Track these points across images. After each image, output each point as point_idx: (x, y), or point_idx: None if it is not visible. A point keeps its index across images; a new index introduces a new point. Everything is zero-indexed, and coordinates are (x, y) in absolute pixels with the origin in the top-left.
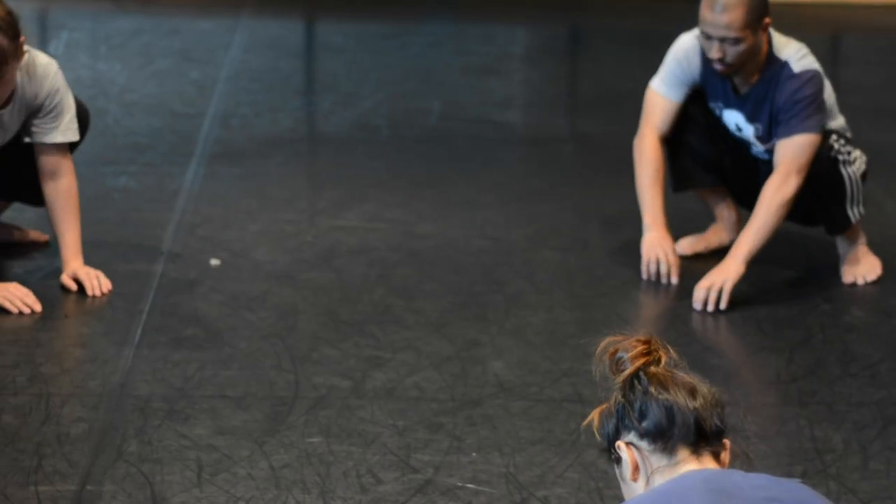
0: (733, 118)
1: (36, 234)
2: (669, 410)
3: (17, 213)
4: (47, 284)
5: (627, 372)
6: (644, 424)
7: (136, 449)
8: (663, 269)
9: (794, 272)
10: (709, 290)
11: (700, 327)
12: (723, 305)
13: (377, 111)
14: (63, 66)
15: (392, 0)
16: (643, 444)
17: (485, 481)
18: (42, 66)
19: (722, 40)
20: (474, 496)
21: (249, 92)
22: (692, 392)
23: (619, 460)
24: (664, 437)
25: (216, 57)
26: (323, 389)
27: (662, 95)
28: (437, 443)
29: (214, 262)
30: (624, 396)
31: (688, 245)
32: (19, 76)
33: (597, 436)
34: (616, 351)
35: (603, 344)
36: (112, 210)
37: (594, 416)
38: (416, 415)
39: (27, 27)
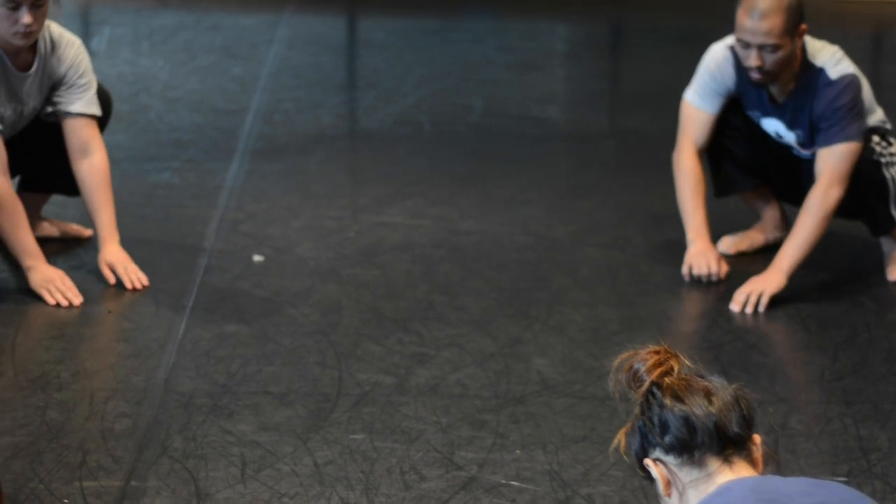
0: (773, 126)
1: (78, 229)
2: (687, 421)
3: (60, 209)
4: (90, 280)
5: (644, 387)
6: (666, 439)
7: (180, 445)
8: (713, 269)
9: (838, 270)
10: (748, 295)
11: (744, 325)
12: (761, 309)
13: (419, 107)
14: (105, 63)
15: None
16: (669, 458)
17: (528, 479)
18: (66, 38)
19: (760, 48)
20: (518, 494)
21: (292, 88)
22: (708, 397)
23: (651, 478)
24: (688, 449)
25: (258, 53)
26: (366, 386)
27: (698, 108)
28: (481, 440)
29: (257, 258)
30: (643, 413)
31: (731, 244)
32: (42, 45)
33: (625, 457)
34: (631, 365)
35: (618, 361)
36: (155, 206)
37: (620, 437)
38: (459, 412)
39: (70, 24)
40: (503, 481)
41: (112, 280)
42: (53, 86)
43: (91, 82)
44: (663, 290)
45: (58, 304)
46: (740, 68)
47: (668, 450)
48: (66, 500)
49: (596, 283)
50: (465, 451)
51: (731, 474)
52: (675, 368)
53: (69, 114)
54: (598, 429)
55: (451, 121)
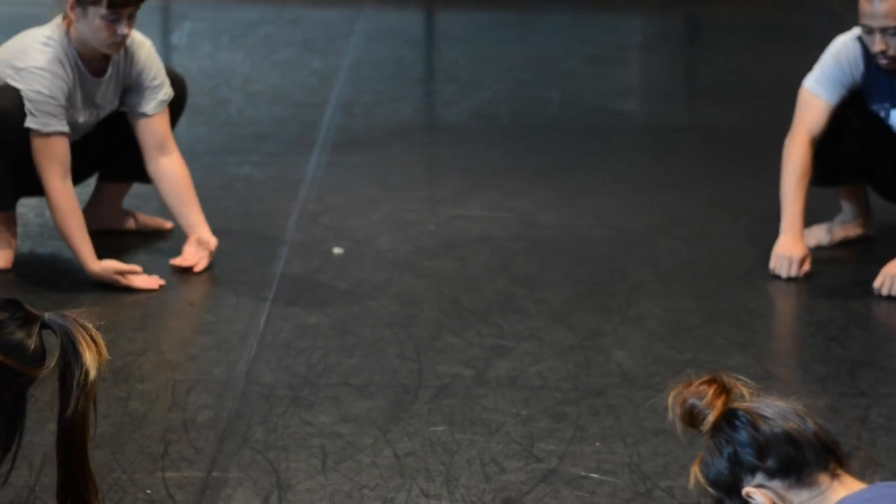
0: None
1: (159, 222)
2: (792, 439)
3: (141, 202)
4: (172, 272)
5: (714, 416)
6: (769, 462)
7: (262, 436)
8: (792, 272)
9: None
10: (894, 278)
11: (825, 318)
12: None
13: (497, 100)
14: (186, 57)
15: None
16: (775, 483)
17: (608, 471)
18: (136, 40)
19: (883, 31)
20: (598, 486)
21: (371, 81)
22: (797, 412)
23: None
24: (797, 467)
25: (338, 46)
26: (446, 378)
27: (817, 95)
28: (561, 432)
29: (337, 250)
30: (726, 441)
31: (812, 236)
32: None
33: (710, 490)
34: (685, 400)
35: (671, 399)
36: (235, 199)
37: (693, 473)
38: (539, 404)
39: (151, 18)
40: (583, 473)
41: (184, 263)
42: (126, 88)
43: (163, 83)
44: (742, 283)
45: (125, 287)
46: (869, 58)
47: (774, 473)
48: (148, 491)
49: (675, 276)
50: (545, 444)
51: (843, 489)
52: (745, 392)
53: (144, 115)
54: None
55: (530, 114)
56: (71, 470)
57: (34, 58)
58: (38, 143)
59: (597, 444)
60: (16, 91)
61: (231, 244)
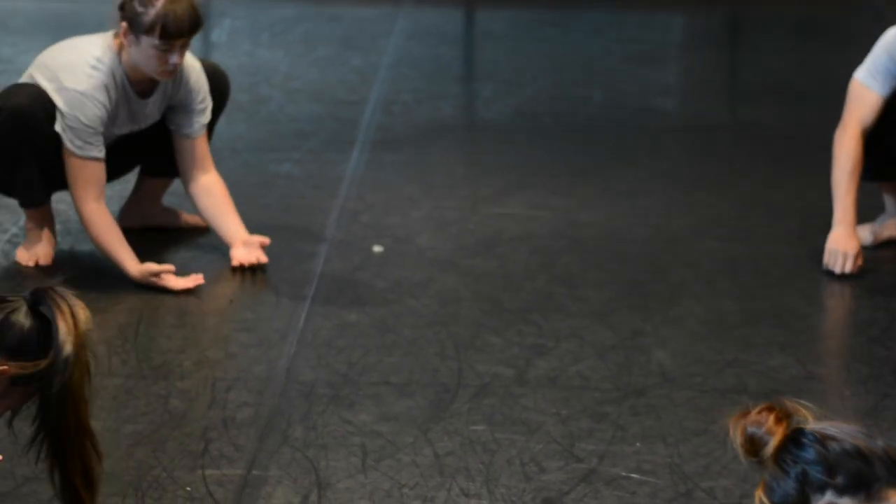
0: None
1: (199, 219)
2: (860, 453)
3: (181, 200)
4: (211, 269)
5: (777, 440)
6: (839, 479)
7: (301, 434)
8: (846, 268)
9: None
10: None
11: (867, 318)
12: None
13: (538, 99)
14: (226, 54)
15: None
16: (845, 500)
17: (649, 471)
18: (188, 63)
19: None
20: (638, 486)
21: (411, 79)
22: (862, 430)
23: None
24: (867, 482)
25: (378, 44)
26: (486, 377)
27: (868, 87)
28: (601, 432)
29: (377, 248)
30: (793, 461)
31: (869, 233)
32: None
33: None
34: (744, 429)
35: (731, 431)
36: (276, 197)
37: (758, 498)
38: (579, 404)
39: None
40: (623, 473)
41: (237, 262)
42: (170, 106)
43: (208, 106)
44: (784, 283)
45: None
46: None
47: (843, 490)
48: (188, 488)
49: (716, 276)
50: (586, 443)
51: None
52: (808, 416)
53: (187, 136)
54: (720, 422)
55: (570, 112)
56: (69, 445)
57: (80, 80)
58: (72, 164)
59: (637, 444)
60: (38, 89)
61: (271, 242)
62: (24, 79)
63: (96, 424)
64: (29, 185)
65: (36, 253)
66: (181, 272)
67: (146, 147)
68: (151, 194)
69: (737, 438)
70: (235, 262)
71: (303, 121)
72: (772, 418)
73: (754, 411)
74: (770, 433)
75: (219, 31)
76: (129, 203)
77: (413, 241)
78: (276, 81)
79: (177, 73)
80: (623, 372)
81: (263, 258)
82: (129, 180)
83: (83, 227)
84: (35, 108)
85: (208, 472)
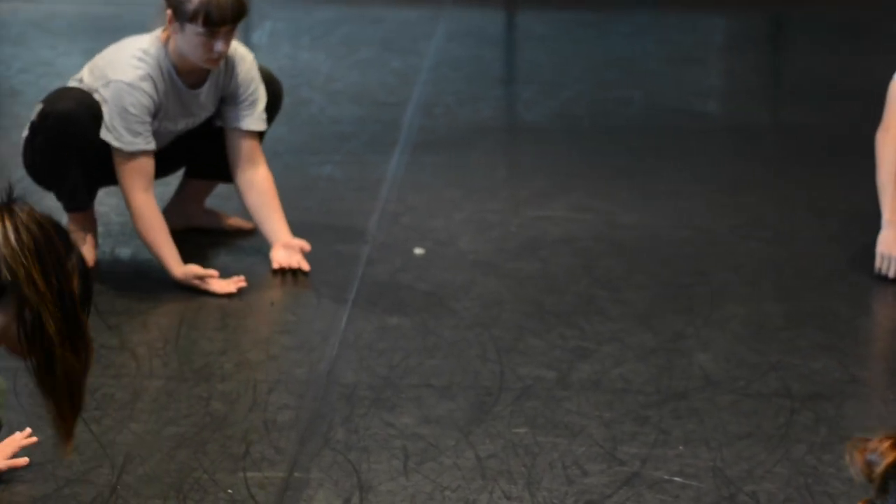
0: None
1: (241, 222)
2: None
3: (223, 202)
4: (253, 271)
5: (887, 461)
6: None
7: (343, 437)
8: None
9: None
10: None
11: None
12: None
13: (578, 100)
14: (267, 56)
15: None
16: None
17: (692, 475)
18: (239, 53)
19: None
20: (681, 490)
21: (451, 81)
22: None
23: None
24: None
25: (418, 46)
26: (528, 380)
27: None
28: (644, 435)
29: (418, 251)
30: None
31: None
32: None
33: None
34: (864, 456)
35: (847, 457)
36: (317, 199)
37: None
38: (622, 407)
39: None
40: (666, 477)
41: (277, 262)
42: (223, 98)
43: (261, 97)
44: (827, 286)
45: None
46: None
47: None
48: (229, 491)
49: (758, 278)
50: (628, 447)
51: None
52: None
53: (238, 129)
54: (763, 426)
55: (611, 114)
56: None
57: (125, 72)
58: (120, 159)
59: (680, 447)
60: (83, 93)
61: (312, 244)
62: (71, 82)
63: (138, 427)
64: (74, 190)
65: None
66: (222, 274)
67: (193, 148)
68: (195, 196)
69: (855, 464)
70: (276, 265)
71: (344, 123)
72: (887, 444)
73: (874, 441)
74: (882, 456)
75: (260, 33)
76: (172, 204)
77: (454, 244)
78: (318, 83)
79: (222, 61)
80: (665, 375)
81: (304, 265)
82: (170, 183)
83: (131, 219)
84: (81, 112)
85: (249, 474)
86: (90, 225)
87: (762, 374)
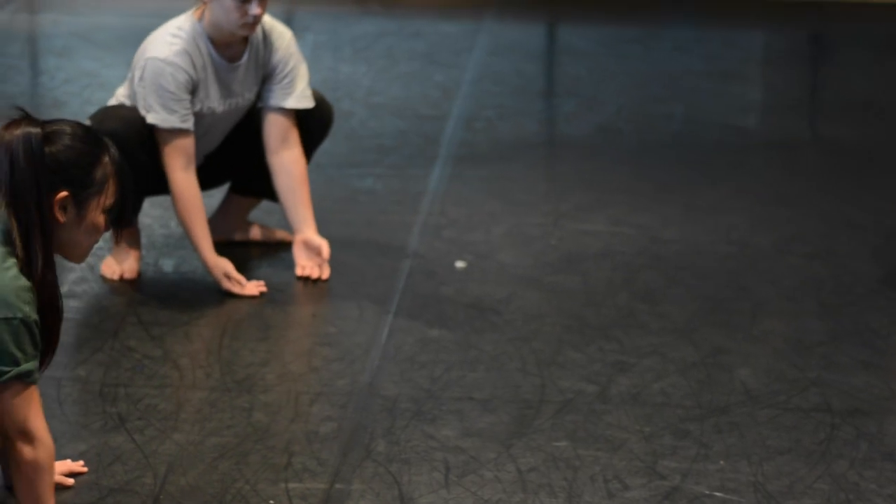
0: None
1: (283, 235)
2: None
3: (266, 215)
4: (295, 283)
5: None
6: None
7: (384, 449)
8: None
9: None
10: None
11: None
12: None
13: (620, 115)
14: (308, 69)
15: (635, 4)
16: None
17: (732, 490)
18: (278, 29)
19: None
20: None
21: (493, 95)
22: None
23: None
24: None
25: (460, 60)
26: (569, 393)
27: None
28: (684, 449)
29: (460, 264)
30: None
31: None
32: (253, 34)
33: None
34: None
35: None
36: (358, 212)
37: None
38: (662, 421)
39: None
40: (707, 492)
41: (301, 265)
42: (264, 77)
43: (301, 75)
44: (867, 301)
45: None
46: None
47: None
48: (271, 502)
49: (799, 293)
50: (669, 461)
51: None
52: None
53: (274, 107)
54: (803, 441)
55: (652, 129)
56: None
57: (160, 49)
58: (160, 136)
59: (721, 462)
60: (131, 112)
61: (354, 256)
62: (116, 97)
63: (180, 437)
64: None
65: (122, 267)
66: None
67: (238, 166)
68: (238, 210)
69: None
70: (299, 271)
71: (385, 136)
72: None
73: None
74: None
75: (301, 45)
76: (216, 216)
77: (495, 257)
78: (359, 96)
79: (265, 32)
80: (705, 389)
81: (325, 272)
82: (214, 195)
83: (172, 200)
84: (128, 132)
85: (291, 485)
86: (135, 238)
87: (802, 390)
